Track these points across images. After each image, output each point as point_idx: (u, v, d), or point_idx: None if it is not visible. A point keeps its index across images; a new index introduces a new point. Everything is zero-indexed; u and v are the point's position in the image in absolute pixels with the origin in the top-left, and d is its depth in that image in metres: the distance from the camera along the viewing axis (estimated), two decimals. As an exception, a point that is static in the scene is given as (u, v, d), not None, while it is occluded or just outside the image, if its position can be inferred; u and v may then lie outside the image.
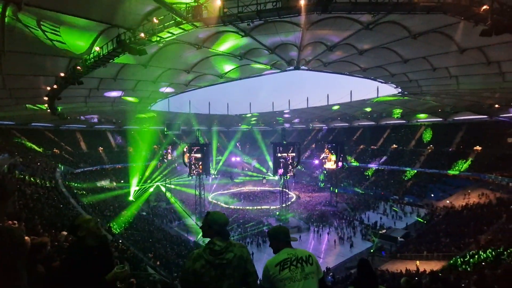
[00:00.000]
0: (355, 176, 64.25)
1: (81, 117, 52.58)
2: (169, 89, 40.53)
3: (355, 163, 67.35)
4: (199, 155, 47.23)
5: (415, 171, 55.43)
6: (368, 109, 59.70)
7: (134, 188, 51.55)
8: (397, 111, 56.77)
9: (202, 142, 51.83)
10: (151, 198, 50.77)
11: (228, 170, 78.89)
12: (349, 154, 69.95)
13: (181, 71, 32.88)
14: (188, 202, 50.44)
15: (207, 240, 3.74)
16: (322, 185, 65.35)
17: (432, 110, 52.60)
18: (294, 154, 47.78)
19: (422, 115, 58.51)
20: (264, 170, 79.24)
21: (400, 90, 41.05)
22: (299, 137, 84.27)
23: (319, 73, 41.57)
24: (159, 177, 59.87)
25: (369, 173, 63.02)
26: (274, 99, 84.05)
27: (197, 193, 46.05)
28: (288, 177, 47.42)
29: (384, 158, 63.81)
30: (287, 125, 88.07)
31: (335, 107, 61.13)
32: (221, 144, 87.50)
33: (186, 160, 47.47)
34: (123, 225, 31.26)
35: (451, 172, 49.49)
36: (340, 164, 53.40)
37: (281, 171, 47.17)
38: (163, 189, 57.17)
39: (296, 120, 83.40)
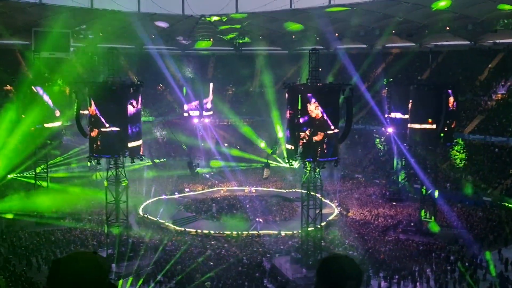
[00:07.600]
0: (481, 166, 36.60)
1: None
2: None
3: (479, 137, 38.27)
4: (112, 123, 24.34)
5: None
6: None
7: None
8: None
9: (125, 83, 26.84)
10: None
11: (181, 149, 46.57)
12: (471, 113, 41.00)
13: None
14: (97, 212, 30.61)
15: None
16: (403, 181, 36.34)
17: None
18: (335, 110, 24.09)
19: None
20: (265, 150, 45.65)
21: None
22: (349, 74, 45.18)
23: None
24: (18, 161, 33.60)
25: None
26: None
27: (111, 195, 25.14)
28: (322, 166, 24.46)
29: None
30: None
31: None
32: (164, 87, 53.43)
33: (87, 127, 25.53)
34: None
35: None
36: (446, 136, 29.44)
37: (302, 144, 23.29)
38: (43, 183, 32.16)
39: (334, 35, 45.74)
